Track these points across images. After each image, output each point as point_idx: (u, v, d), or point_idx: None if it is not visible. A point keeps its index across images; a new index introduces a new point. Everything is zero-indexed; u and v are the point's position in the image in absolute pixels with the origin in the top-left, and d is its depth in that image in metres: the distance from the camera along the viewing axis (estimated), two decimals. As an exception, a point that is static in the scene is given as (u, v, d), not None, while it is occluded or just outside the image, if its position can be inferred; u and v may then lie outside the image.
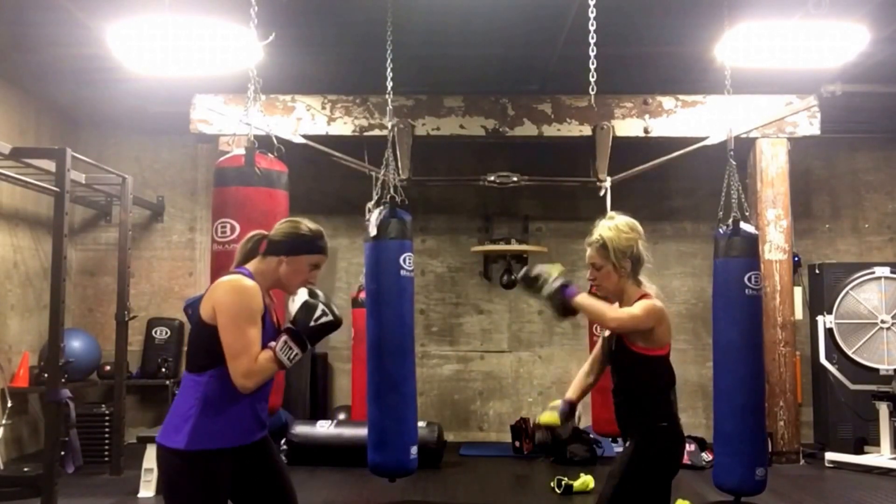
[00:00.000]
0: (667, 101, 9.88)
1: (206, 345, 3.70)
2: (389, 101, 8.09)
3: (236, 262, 3.93)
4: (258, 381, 3.64)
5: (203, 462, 3.62)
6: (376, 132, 9.66)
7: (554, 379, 11.24)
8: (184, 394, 3.73)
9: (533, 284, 4.35)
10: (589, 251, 4.37)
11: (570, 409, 4.52)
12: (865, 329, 9.27)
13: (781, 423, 9.55)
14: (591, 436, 9.42)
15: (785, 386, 9.59)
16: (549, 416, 4.45)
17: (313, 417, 10.22)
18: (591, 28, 6.59)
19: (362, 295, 8.14)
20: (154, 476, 7.89)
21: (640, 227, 4.34)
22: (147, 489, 7.86)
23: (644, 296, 4.26)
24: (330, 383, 11.33)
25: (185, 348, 3.88)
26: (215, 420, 3.64)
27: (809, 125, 9.84)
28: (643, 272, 4.34)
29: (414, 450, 7.19)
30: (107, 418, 9.25)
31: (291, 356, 3.68)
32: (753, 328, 7.51)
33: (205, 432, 3.62)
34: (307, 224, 4.06)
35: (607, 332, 4.37)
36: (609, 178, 9.28)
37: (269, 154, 5.65)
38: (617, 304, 4.34)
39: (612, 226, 4.34)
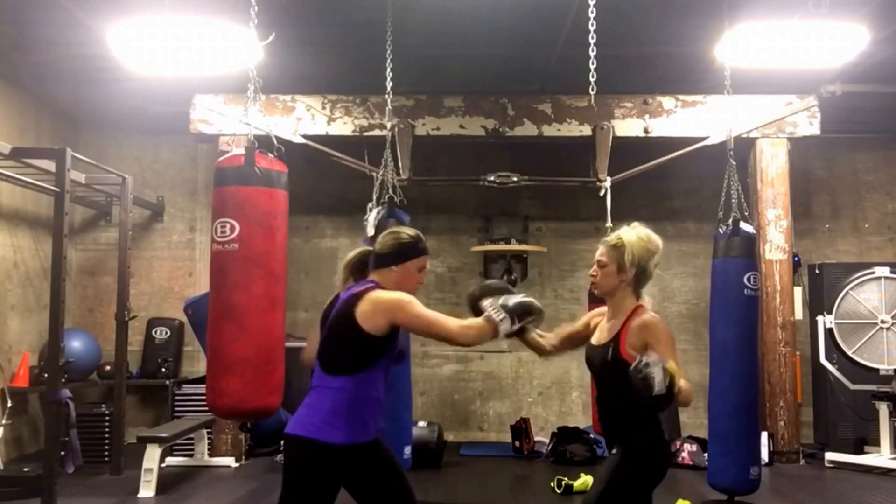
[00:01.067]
0: (667, 101, 9.88)
1: (355, 349, 3.97)
2: (389, 101, 8.10)
3: (349, 279, 4.23)
4: (474, 336, 4.01)
5: (353, 456, 3.93)
6: (376, 132, 9.66)
7: (554, 379, 11.25)
8: (328, 393, 3.97)
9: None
10: (601, 248, 4.46)
11: None
12: (865, 329, 9.27)
13: (782, 422, 9.54)
14: (591, 436, 9.43)
15: (785, 386, 9.59)
16: None
17: (313, 417, 10.21)
18: (591, 28, 6.60)
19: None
20: (154, 476, 7.90)
21: (660, 244, 4.55)
22: (147, 489, 7.86)
23: (639, 307, 4.32)
24: (330, 383, 11.31)
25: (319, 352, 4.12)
26: (360, 416, 3.95)
27: (809, 125, 9.84)
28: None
29: (408, 450, 7.20)
30: (107, 418, 9.25)
31: (501, 317, 3.96)
32: (750, 328, 7.52)
33: (356, 428, 3.92)
34: (406, 232, 4.29)
35: (603, 340, 4.30)
36: (609, 178, 9.28)
37: (269, 154, 5.64)
38: (608, 309, 4.41)
39: (635, 233, 4.52)
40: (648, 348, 3.99)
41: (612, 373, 4.15)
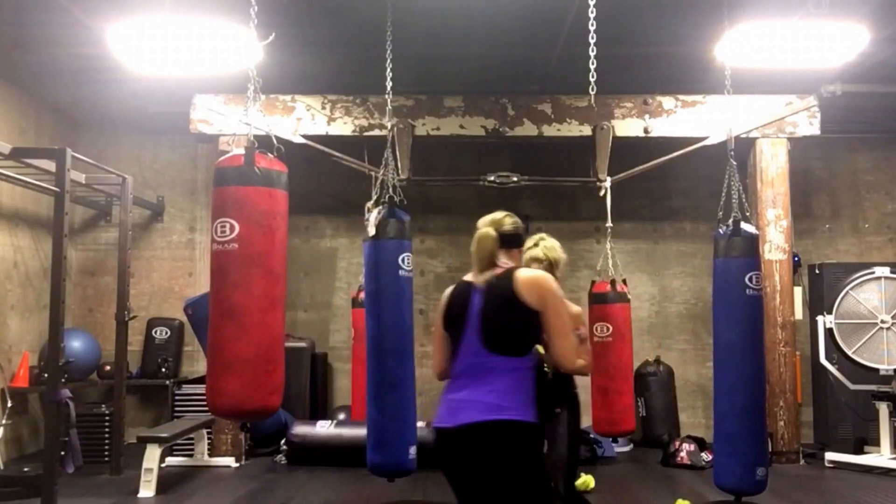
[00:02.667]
0: (667, 101, 9.88)
1: (530, 329, 3.92)
2: (389, 101, 8.09)
3: (489, 263, 4.09)
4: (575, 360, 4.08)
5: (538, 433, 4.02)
6: (376, 132, 9.66)
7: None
8: (511, 374, 3.88)
9: None
10: (532, 263, 5.28)
11: None
12: (865, 329, 9.27)
13: (781, 423, 9.55)
14: (592, 436, 9.42)
15: (785, 386, 9.59)
16: None
17: (313, 417, 10.23)
18: (591, 28, 6.60)
19: (362, 295, 8.13)
20: (154, 476, 7.90)
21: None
22: (147, 489, 7.87)
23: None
24: (329, 383, 11.34)
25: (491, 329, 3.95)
26: (532, 396, 3.91)
27: (809, 125, 9.84)
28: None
29: (413, 450, 7.17)
30: (107, 418, 9.25)
31: None
32: (754, 328, 7.49)
33: (534, 407, 3.89)
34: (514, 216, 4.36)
35: None
36: (609, 178, 9.28)
37: (269, 154, 5.63)
38: None
39: (552, 244, 5.55)
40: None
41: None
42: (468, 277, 4.13)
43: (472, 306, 3.98)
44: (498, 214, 4.28)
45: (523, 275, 3.99)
